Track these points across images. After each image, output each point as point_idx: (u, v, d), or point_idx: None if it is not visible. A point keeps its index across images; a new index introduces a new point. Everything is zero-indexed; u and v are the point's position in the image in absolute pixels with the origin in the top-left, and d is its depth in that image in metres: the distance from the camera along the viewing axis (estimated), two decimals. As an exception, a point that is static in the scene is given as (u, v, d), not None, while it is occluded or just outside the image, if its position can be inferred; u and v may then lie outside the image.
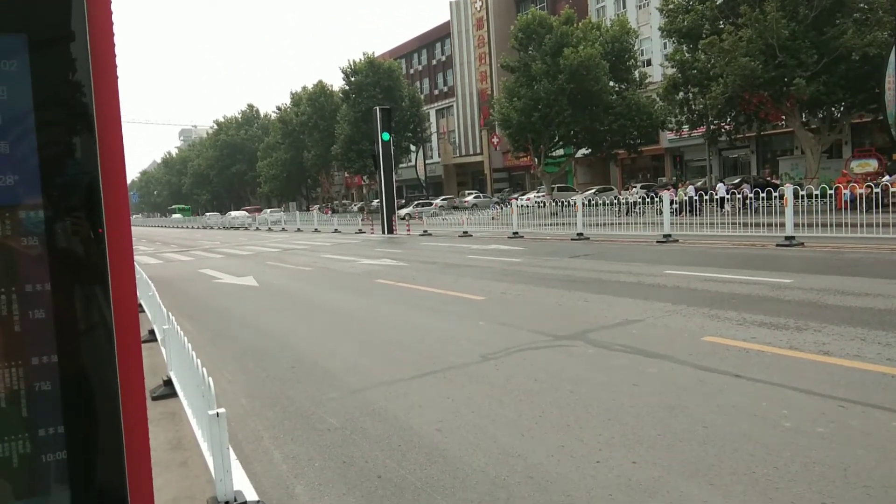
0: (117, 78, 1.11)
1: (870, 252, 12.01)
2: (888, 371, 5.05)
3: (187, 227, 63.57)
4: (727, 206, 19.95)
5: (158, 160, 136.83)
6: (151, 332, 7.94)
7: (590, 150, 43.08)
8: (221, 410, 3.21)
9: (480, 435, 4.38)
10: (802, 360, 5.51)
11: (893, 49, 24.66)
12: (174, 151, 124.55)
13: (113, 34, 1.11)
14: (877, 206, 14.39)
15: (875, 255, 11.63)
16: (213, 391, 3.33)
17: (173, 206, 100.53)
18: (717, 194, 21.05)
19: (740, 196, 18.86)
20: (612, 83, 40.07)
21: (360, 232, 32.48)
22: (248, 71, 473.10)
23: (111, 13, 1.10)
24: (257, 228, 49.05)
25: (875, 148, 30.73)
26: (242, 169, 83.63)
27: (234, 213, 65.62)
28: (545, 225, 24.32)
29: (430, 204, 50.93)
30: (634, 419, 4.44)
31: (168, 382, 5.78)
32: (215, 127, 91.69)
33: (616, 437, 4.18)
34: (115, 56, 1.10)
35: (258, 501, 3.39)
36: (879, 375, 4.97)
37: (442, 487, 3.66)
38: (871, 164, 27.02)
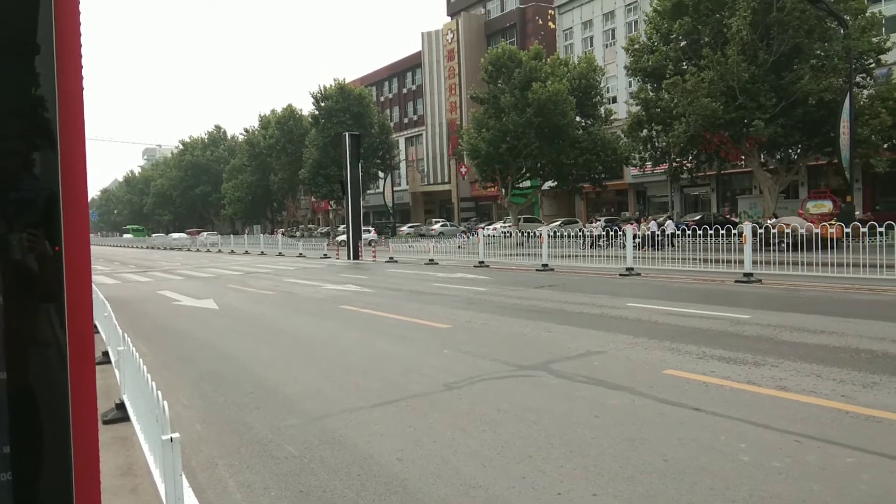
0: (83, 93, 1.09)
1: (825, 291, 12.32)
2: (843, 407, 5.15)
3: (135, 247, 65.85)
4: (676, 242, 20.37)
5: (120, 178, 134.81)
6: (105, 353, 7.72)
7: (556, 183, 43.77)
8: (175, 435, 3.12)
9: (442, 465, 4.33)
10: (760, 395, 5.59)
11: (847, 95, 25.64)
12: (137, 170, 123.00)
13: (81, 48, 1.08)
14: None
15: (830, 294, 11.94)
16: (168, 415, 3.23)
17: (127, 227, 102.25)
18: (667, 230, 21.50)
19: (697, 232, 19.24)
20: (578, 118, 40.93)
21: (326, 257, 32.25)
22: (216, 93, 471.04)
23: (79, 26, 1.08)
24: (188, 249, 52.23)
25: (830, 190, 31.75)
26: (207, 190, 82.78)
27: (174, 235, 71.88)
28: (511, 255, 24.45)
29: (370, 231, 50.33)
30: (596, 451, 4.45)
31: (121, 406, 5.61)
32: (181, 147, 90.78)
33: (577, 468, 4.17)
34: (82, 71, 1.08)
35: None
36: (835, 411, 5.07)
37: (401, 518, 3.59)
38: (826, 206, 27.91)
